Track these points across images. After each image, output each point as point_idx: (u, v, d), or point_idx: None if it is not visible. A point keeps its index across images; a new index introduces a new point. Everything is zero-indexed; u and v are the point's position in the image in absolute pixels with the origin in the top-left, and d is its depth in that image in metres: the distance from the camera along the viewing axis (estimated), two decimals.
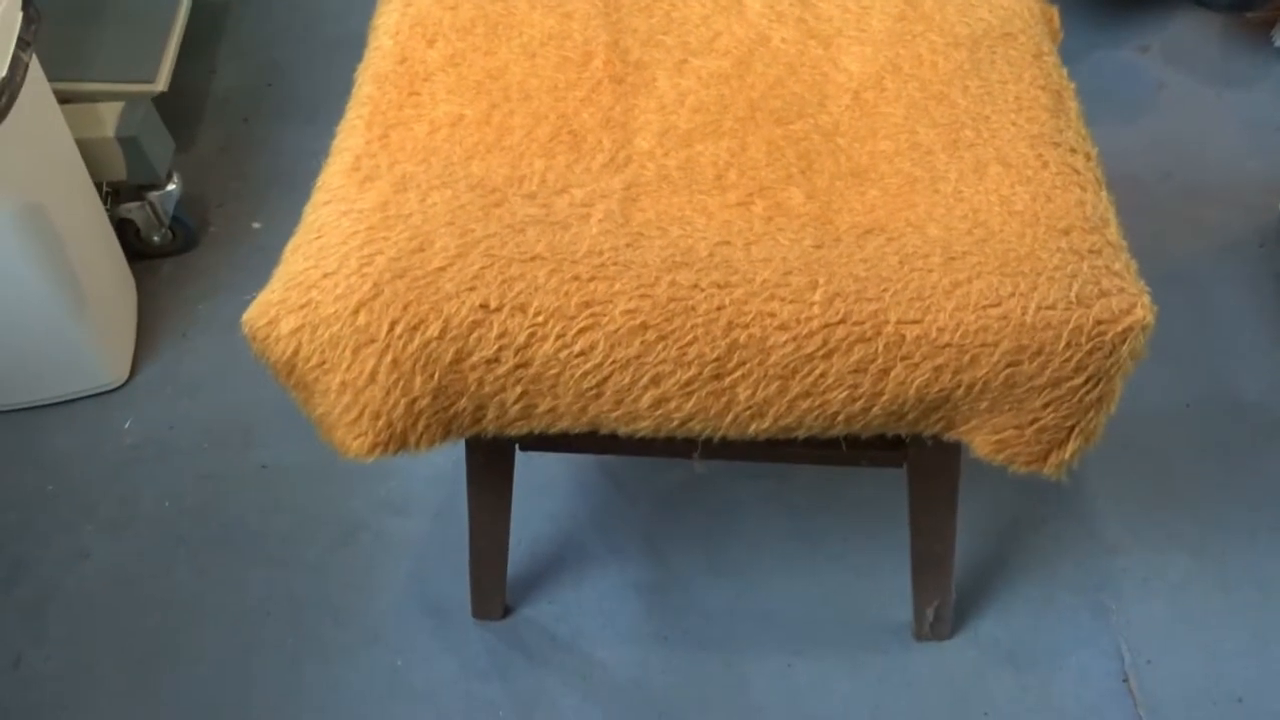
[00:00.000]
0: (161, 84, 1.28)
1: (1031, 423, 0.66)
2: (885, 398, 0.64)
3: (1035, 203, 0.66)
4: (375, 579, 1.03)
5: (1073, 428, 0.67)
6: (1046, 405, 0.65)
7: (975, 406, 0.66)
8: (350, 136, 0.72)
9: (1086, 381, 0.64)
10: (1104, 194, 0.68)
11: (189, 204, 1.31)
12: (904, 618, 1.00)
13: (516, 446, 0.85)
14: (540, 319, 0.61)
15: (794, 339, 0.62)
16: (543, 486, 1.08)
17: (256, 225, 1.34)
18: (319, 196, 0.69)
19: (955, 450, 0.82)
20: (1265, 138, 1.38)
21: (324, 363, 0.64)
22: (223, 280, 1.27)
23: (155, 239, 1.27)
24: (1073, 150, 0.70)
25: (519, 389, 0.65)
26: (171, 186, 1.24)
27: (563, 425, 0.68)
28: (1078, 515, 1.07)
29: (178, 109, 1.45)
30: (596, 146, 0.71)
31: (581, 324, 0.61)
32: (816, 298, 0.63)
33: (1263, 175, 1.33)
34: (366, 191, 0.68)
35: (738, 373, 0.64)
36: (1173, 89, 1.43)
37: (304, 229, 0.68)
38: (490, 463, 0.86)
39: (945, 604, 0.95)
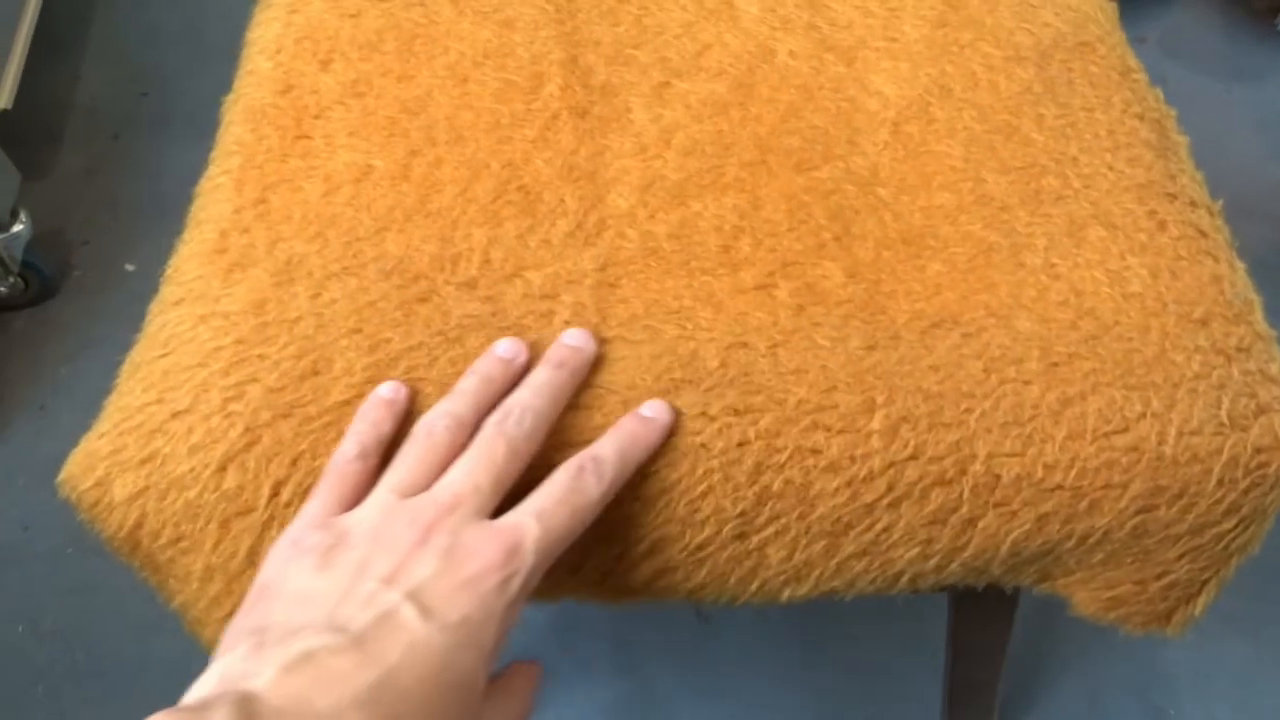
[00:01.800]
0: (3, 100, 1.05)
1: (1159, 577, 0.49)
2: (968, 553, 0.47)
3: (1157, 281, 0.49)
4: None
5: (1208, 580, 0.50)
6: (1181, 556, 0.49)
7: (1086, 559, 0.49)
8: (214, 203, 0.52)
9: (1237, 525, 0.47)
10: (1239, 264, 0.51)
11: (45, 243, 1.09)
12: None
13: None
14: None
15: (848, 484, 0.45)
16: None
17: (130, 267, 1.12)
18: (168, 292, 0.49)
19: None
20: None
21: (179, 539, 0.45)
22: (90, 336, 1.05)
23: (2, 289, 1.04)
24: (1193, 204, 0.53)
25: None
26: (19, 227, 1.02)
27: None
28: None
29: (31, 125, 1.22)
30: (557, 208, 0.52)
31: None
32: (875, 425, 0.45)
33: None
34: (235, 284, 0.48)
35: (769, 530, 0.46)
36: (1176, 85, 1.28)
37: (145, 342, 0.48)
38: None
39: None
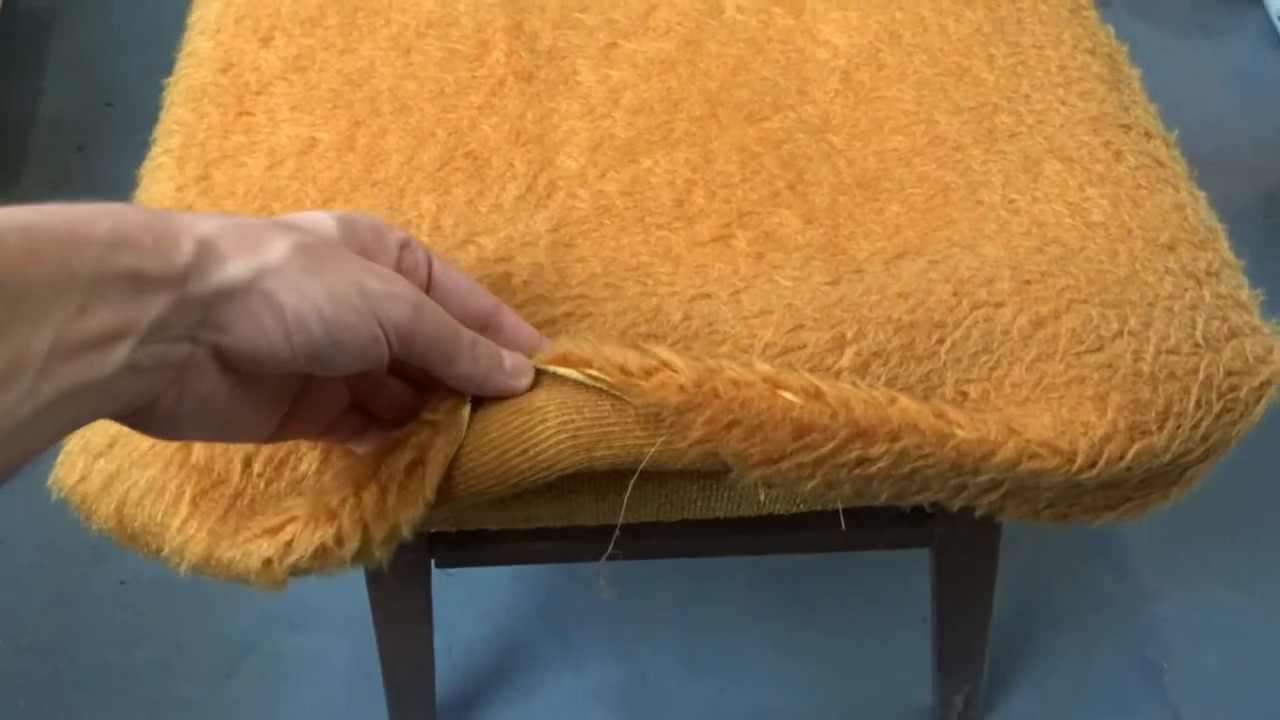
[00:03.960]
0: None
1: (1121, 498, 0.49)
2: (943, 489, 0.46)
3: (1119, 210, 0.48)
4: (272, 714, 0.83)
5: (1160, 491, 0.49)
6: (1144, 480, 0.48)
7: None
8: (155, 182, 0.51)
9: (1203, 455, 0.47)
10: (1199, 193, 0.51)
11: None
12: (923, 701, 0.82)
13: (433, 563, 0.65)
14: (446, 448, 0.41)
15: (816, 432, 0.44)
16: (472, 580, 0.88)
17: None
18: None
19: (995, 523, 0.64)
20: (1254, 93, 1.23)
21: (154, 517, 0.44)
22: None
23: None
24: (1148, 135, 0.52)
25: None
26: None
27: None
28: (1106, 555, 0.91)
29: None
30: (506, 172, 0.52)
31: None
32: (845, 362, 0.44)
33: (1258, 136, 1.18)
34: None
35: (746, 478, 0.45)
36: (1143, 44, 1.27)
37: None
38: (401, 584, 0.66)
39: (976, 689, 0.78)
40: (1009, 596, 0.87)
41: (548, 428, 0.41)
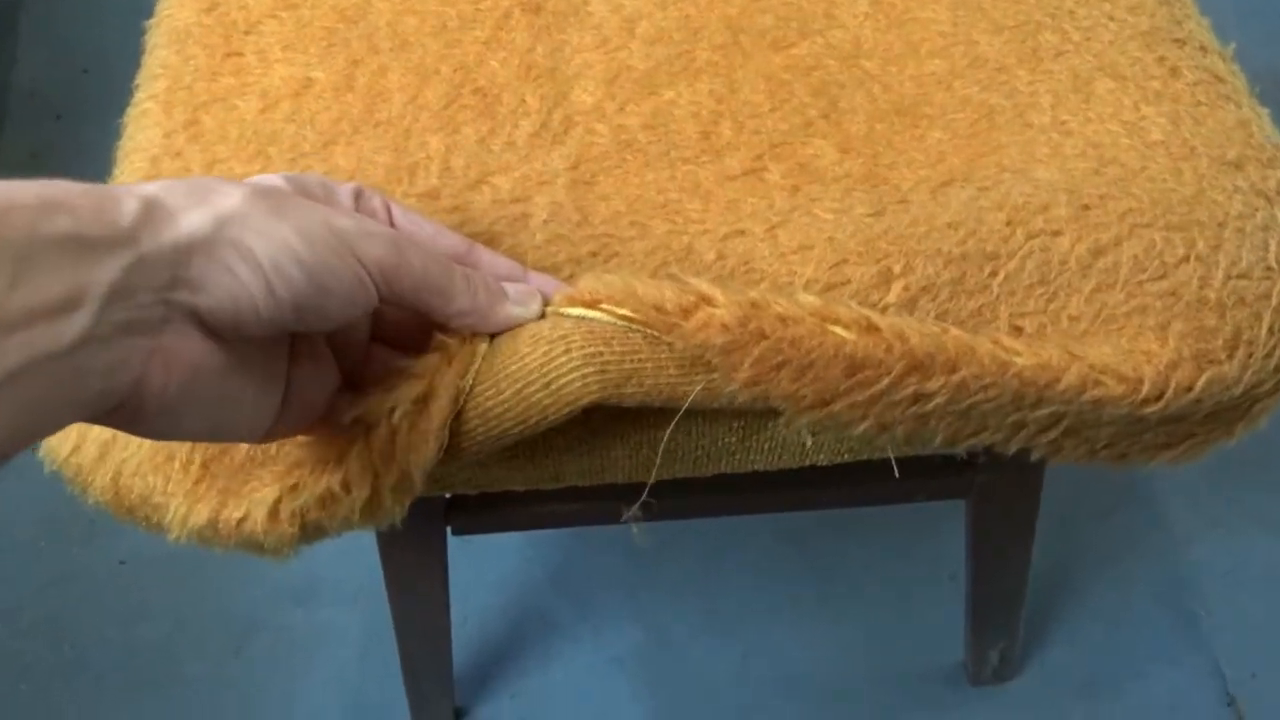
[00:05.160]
0: None
1: (1184, 434, 0.46)
2: (1000, 427, 0.43)
3: (1179, 128, 0.45)
4: (283, 691, 0.80)
5: (1224, 428, 0.46)
6: (1210, 415, 0.45)
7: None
8: (140, 130, 0.47)
9: (1277, 387, 0.44)
10: (1262, 110, 0.47)
11: None
12: (953, 658, 0.80)
13: (449, 530, 0.62)
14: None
15: (870, 367, 0.40)
16: (485, 548, 0.85)
17: None
18: None
19: (1039, 468, 0.61)
20: (1269, 22, 1.19)
21: (155, 489, 0.41)
22: None
23: None
24: (1203, 49, 0.49)
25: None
26: None
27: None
28: (1140, 500, 0.88)
29: None
30: (518, 109, 0.48)
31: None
32: (893, 298, 0.41)
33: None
34: None
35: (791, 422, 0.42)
36: None
37: None
38: (415, 552, 0.63)
39: (1013, 644, 0.76)
40: (1042, 546, 0.85)
41: (572, 359, 0.37)
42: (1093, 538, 0.85)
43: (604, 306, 0.38)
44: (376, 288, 0.33)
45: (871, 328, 0.39)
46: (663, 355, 0.38)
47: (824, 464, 0.47)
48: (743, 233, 0.43)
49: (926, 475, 0.60)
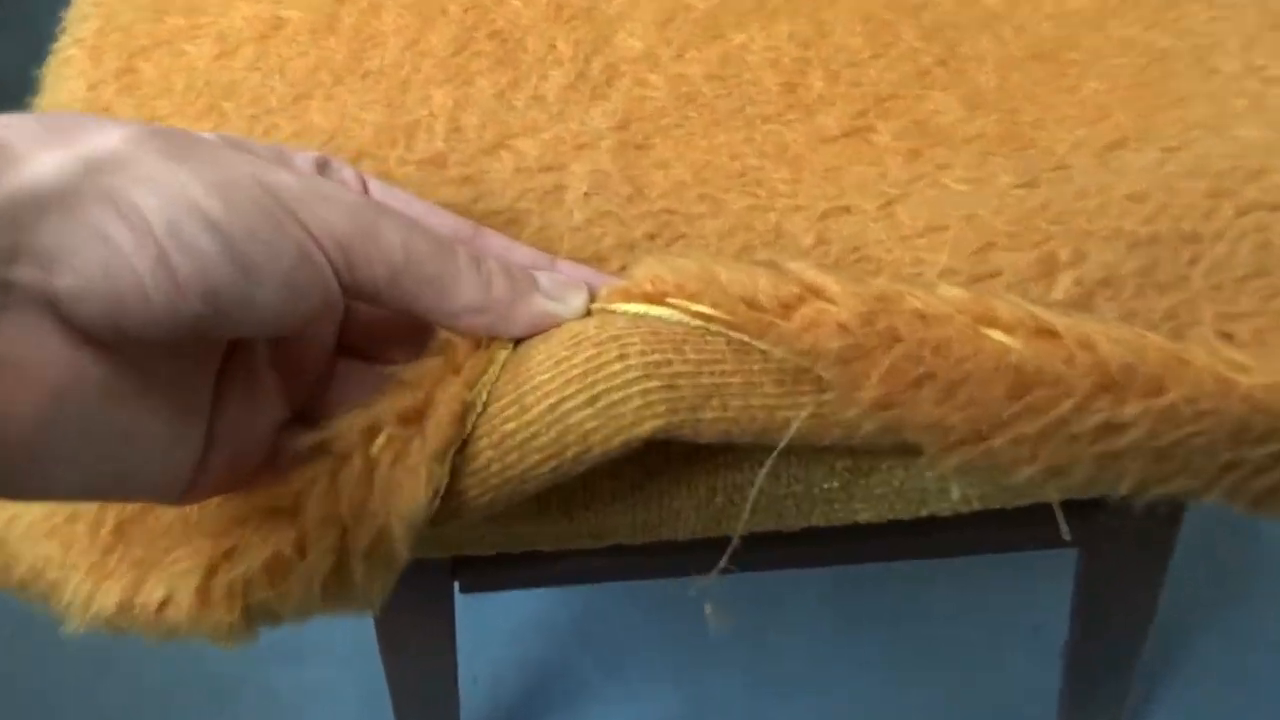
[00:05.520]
0: None
1: None
2: (1206, 469, 0.32)
3: None
4: None
5: None
6: None
7: None
8: (61, 81, 0.37)
9: None
10: None
11: None
12: (1035, 713, 0.69)
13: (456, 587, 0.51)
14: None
15: (1045, 386, 0.29)
16: (495, 597, 0.74)
17: None
18: None
19: (1179, 510, 0.50)
20: None
21: (57, 564, 0.30)
22: None
23: None
24: None
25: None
26: None
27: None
28: (1243, 532, 0.77)
29: None
30: (547, 56, 0.37)
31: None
32: (1059, 294, 0.31)
33: None
34: None
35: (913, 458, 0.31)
36: None
37: None
38: (413, 613, 0.52)
39: (1120, 712, 0.64)
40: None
41: (630, 368, 0.27)
42: (1197, 579, 0.74)
43: (672, 301, 0.27)
44: (336, 273, 0.23)
45: (1045, 330, 0.28)
46: (755, 368, 0.27)
47: (945, 514, 0.36)
48: (848, 209, 0.33)
49: (1037, 520, 0.49)
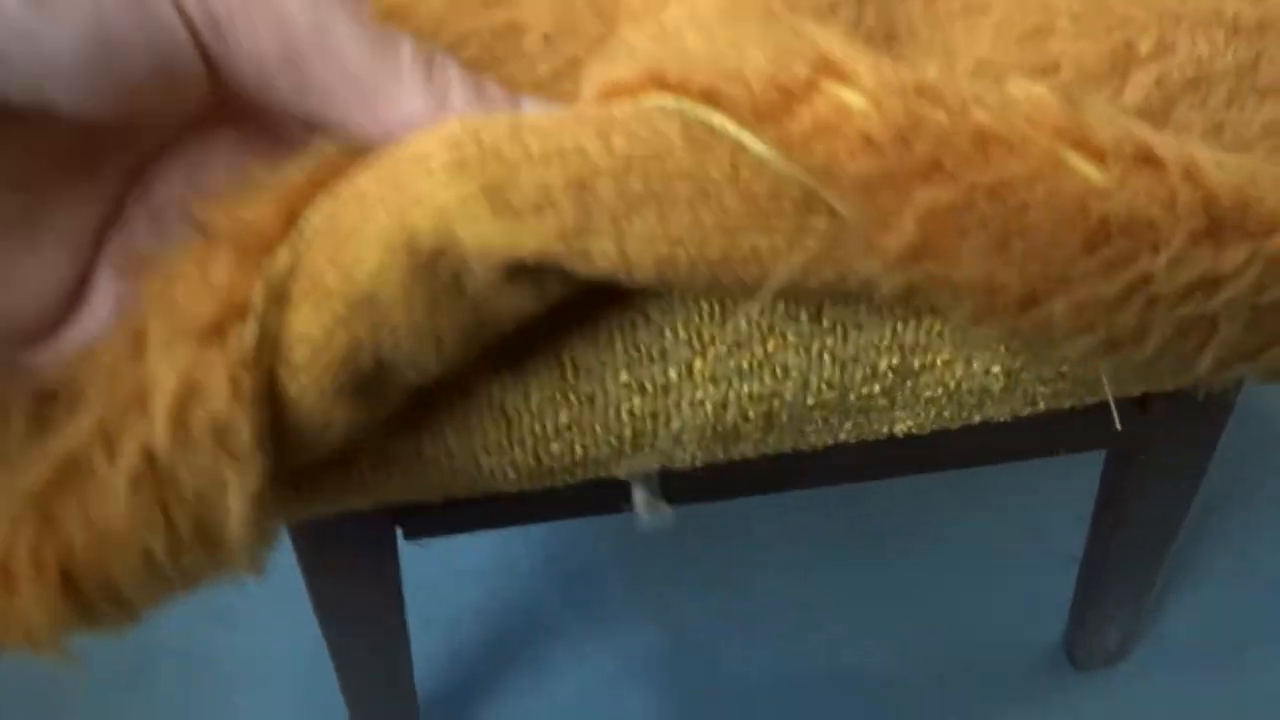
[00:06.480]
0: None
1: None
2: None
3: None
4: None
5: None
6: None
7: None
8: None
9: None
10: None
11: None
12: (1046, 637, 0.64)
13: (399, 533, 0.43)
14: None
15: (1132, 235, 0.22)
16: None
17: None
18: None
19: (1227, 402, 0.44)
20: None
21: None
22: None
23: None
24: None
25: None
26: None
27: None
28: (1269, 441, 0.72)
29: None
30: None
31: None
32: (1131, 95, 0.24)
33: None
34: None
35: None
36: None
37: None
38: (353, 570, 0.44)
39: (1138, 623, 0.59)
40: None
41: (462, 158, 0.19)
42: (1218, 485, 0.69)
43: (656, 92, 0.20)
44: (195, 35, 0.16)
45: (1146, 158, 0.20)
46: (717, 174, 0.20)
47: (1002, 419, 0.29)
48: None
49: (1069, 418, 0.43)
